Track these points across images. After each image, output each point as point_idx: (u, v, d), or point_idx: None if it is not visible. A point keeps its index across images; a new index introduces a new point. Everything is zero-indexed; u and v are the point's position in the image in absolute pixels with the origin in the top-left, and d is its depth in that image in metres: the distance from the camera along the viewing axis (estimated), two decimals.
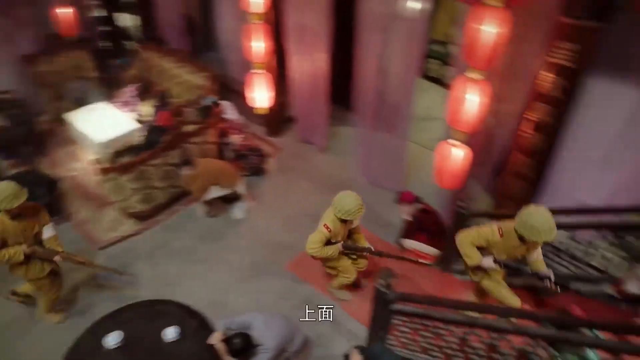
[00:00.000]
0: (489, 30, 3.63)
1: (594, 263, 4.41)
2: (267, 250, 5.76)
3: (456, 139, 4.45)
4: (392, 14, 5.28)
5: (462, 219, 4.85)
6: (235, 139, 7.05)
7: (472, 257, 3.86)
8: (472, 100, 4.05)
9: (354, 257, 4.72)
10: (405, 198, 5.39)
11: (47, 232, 4.23)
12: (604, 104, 4.50)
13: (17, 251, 4.01)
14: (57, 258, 4.25)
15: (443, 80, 7.75)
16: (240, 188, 6.15)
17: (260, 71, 6.31)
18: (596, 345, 2.92)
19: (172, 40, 9.25)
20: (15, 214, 3.92)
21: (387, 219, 6.16)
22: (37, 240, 4.20)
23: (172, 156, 6.00)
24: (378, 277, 3.70)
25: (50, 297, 4.61)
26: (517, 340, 3.28)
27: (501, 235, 3.70)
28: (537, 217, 3.43)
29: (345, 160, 7.29)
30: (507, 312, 3.59)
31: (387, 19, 5.38)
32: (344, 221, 4.26)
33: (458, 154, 4.48)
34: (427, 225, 5.40)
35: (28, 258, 4.13)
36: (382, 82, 5.93)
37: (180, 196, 6.44)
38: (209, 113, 6.72)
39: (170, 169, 6.00)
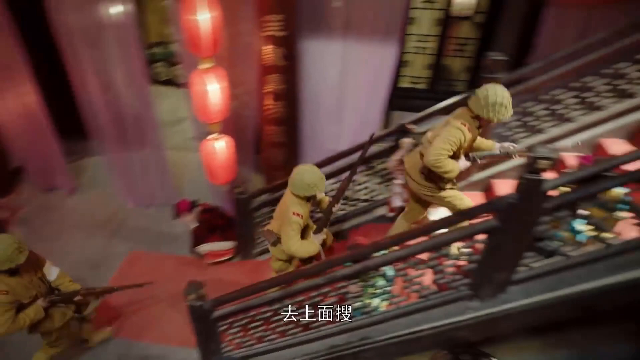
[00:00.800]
0: (203, 17, 3.68)
1: (363, 197, 5.06)
2: None
3: (213, 132, 4.46)
4: (95, 25, 4.83)
5: (244, 204, 4.96)
6: None
7: (454, 169, 3.37)
8: (213, 89, 4.09)
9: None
10: (182, 208, 5.20)
11: (52, 272, 3.80)
12: (322, 60, 5.12)
13: (37, 309, 3.60)
14: (77, 299, 3.83)
15: (175, 80, 7.62)
16: None
17: None
18: (387, 262, 3.36)
19: None
20: (14, 270, 3.43)
21: (172, 234, 5.86)
22: (47, 284, 3.75)
23: None
24: (186, 294, 3.49)
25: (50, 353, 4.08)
26: (332, 288, 3.55)
27: (469, 129, 3.32)
28: (498, 92, 3.15)
29: (103, 193, 6.57)
30: (311, 271, 3.79)
31: (92, 31, 4.90)
32: (308, 200, 3.75)
33: (221, 146, 4.52)
34: (214, 223, 5.33)
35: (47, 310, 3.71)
36: (113, 99, 5.44)
37: None
38: None
39: None
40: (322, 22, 4.99)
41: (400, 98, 6.56)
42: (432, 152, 3.31)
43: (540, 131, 4.33)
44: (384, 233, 4.41)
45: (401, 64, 6.74)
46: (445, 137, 3.30)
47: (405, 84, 7.13)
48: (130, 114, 5.58)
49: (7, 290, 3.41)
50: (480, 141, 3.58)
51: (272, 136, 5.25)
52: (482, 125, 3.37)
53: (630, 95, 4.04)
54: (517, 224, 2.74)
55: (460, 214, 3.07)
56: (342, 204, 5.02)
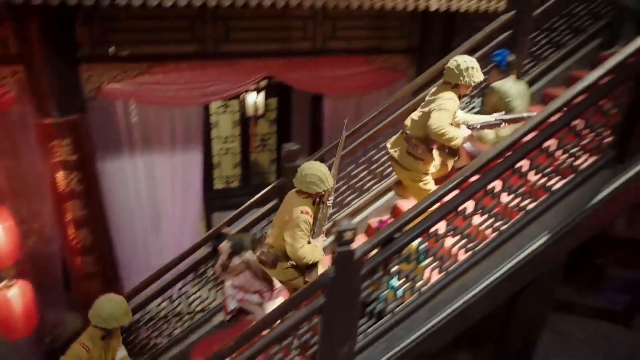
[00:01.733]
0: None
1: (198, 308, 4.80)
2: None
3: (4, 279, 3.88)
4: None
5: (60, 352, 4.25)
6: None
7: (458, 135, 3.34)
8: None
9: None
10: None
11: (121, 352, 3.56)
12: (126, 176, 4.97)
13: None
14: None
15: None
16: None
17: None
18: None
19: None
20: (108, 333, 3.29)
21: None
22: None
23: None
24: None
25: None
26: None
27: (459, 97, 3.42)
28: (466, 59, 3.37)
29: None
30: None
31: None
32: (314, 202, 3.24)
33: (14, 294, 3.94)
34: None
35: None
36: None
37: None
38: None
39: None
40: (120, 138, 4.89)
41: (217, 199, 6.67)
42: (434, 122, 3.31)
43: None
44: (226, 340, 4.24)
45: (211, 166, 6.89)
46: (440, 105, 3.37)
47: (220, 184, 7.26)
48: None
49: (90, 349, 3.25)
50: (464, 115, 3.69)
51: (83, 267, 4.73)
52: (461, 95, 3.52)
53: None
54: (343, 295, 2.91)
55: (290, 301, 3.12)
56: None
